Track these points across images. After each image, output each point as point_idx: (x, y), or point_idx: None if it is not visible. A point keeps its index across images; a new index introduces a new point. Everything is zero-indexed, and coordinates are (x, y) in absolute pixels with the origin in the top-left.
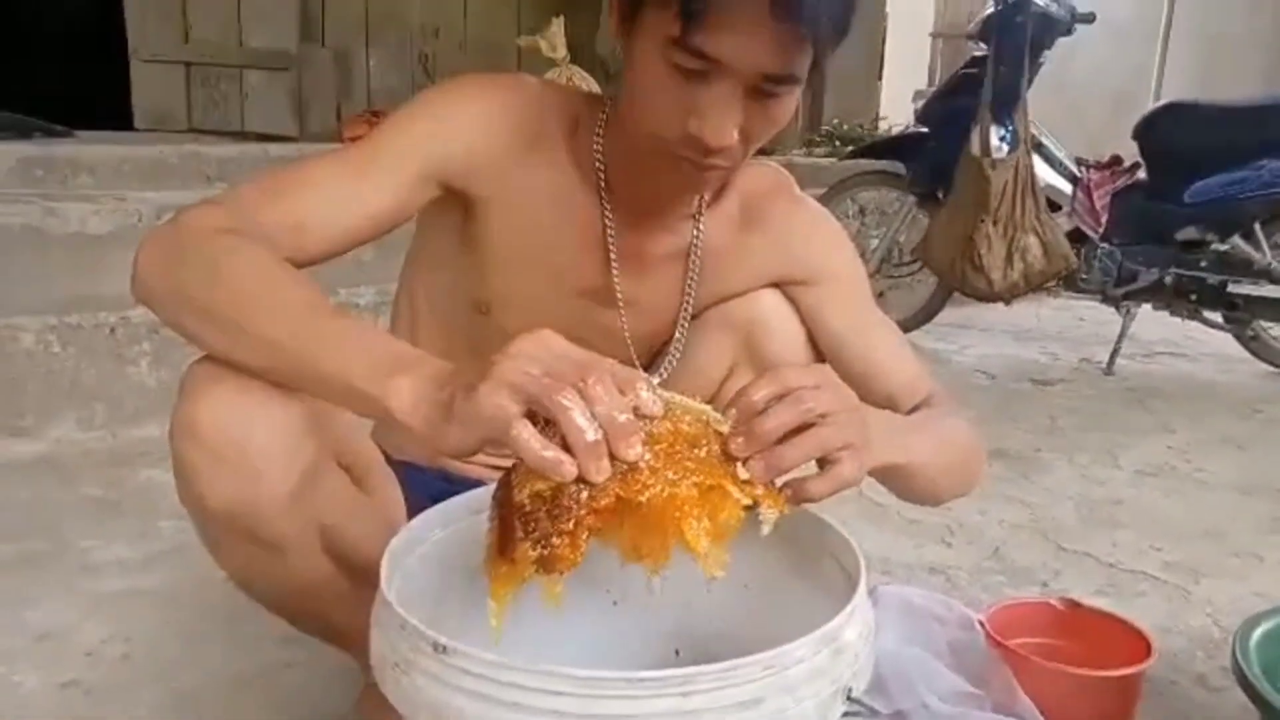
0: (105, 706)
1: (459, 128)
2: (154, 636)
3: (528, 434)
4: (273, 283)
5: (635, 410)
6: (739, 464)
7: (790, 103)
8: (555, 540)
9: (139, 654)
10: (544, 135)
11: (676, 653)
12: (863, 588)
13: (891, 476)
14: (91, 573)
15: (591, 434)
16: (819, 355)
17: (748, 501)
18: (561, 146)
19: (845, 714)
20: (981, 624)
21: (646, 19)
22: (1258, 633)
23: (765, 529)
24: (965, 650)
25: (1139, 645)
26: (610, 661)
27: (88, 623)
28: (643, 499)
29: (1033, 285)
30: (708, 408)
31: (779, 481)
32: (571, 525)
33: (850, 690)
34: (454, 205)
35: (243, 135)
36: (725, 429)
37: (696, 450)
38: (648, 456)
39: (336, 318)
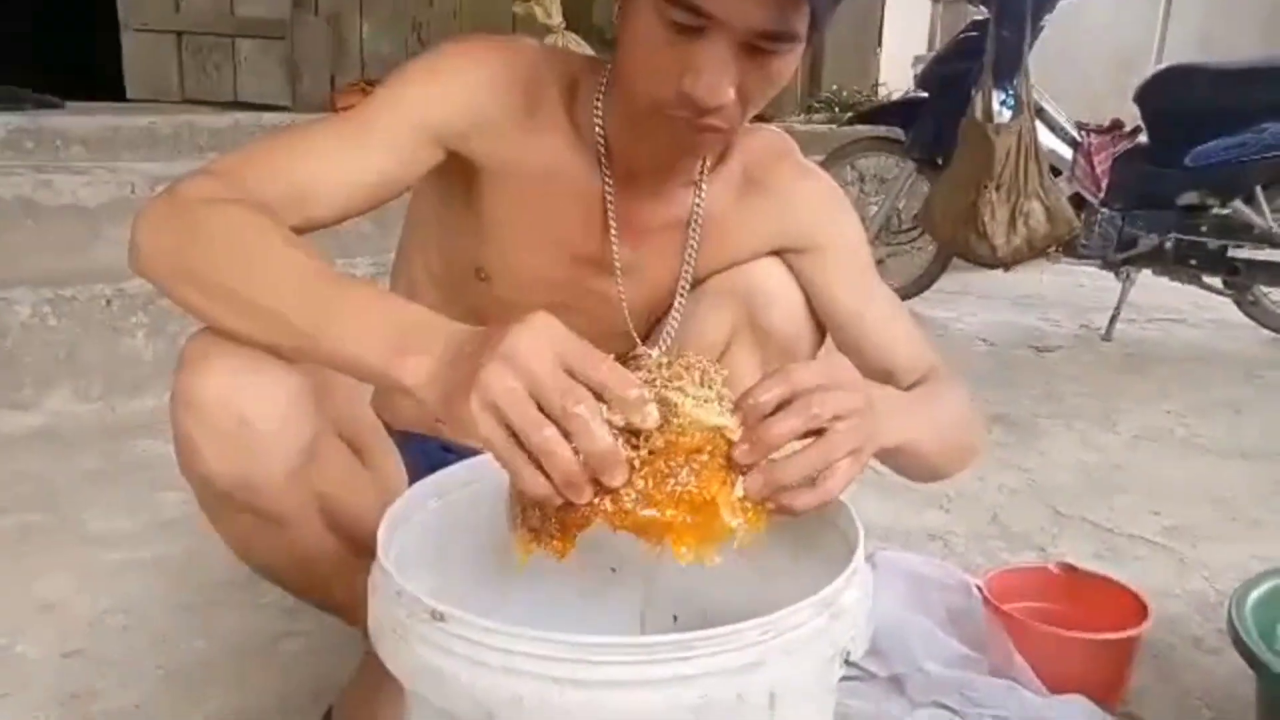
0: (108, 676)
1: (459, 90)
2: (154, 607)
3: (518, 462)
4: (276, 252)
5: (628, 426)
6: (739, 476)
7: (789, 62)
8: (545, 536)
9: (140, 624)
10: (543, 99)
11: (675, 618)
12: (860, 552)
13: (890, 457)
14: (91, 544)
15: (573, 466)
16: (819, 324)
17: (736, 522)
18: (560, 111)
19: (843, 678)
20: (979, 589)
21: None
22: (1254, 595)
23: (735, 545)
24: (963, 615)
25: (1135, 609)
26: (608, 628)
27: (88, 593)
28: (629, 521)
29: (1036, 250)
30: (715, 410)
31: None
32: (558, 529)
33: (848, 654)
34: (453, 170)
35: (236, 105)
36: (733, 433)
37: (699, 456)
38: (640, 483)
39: (343, 286)
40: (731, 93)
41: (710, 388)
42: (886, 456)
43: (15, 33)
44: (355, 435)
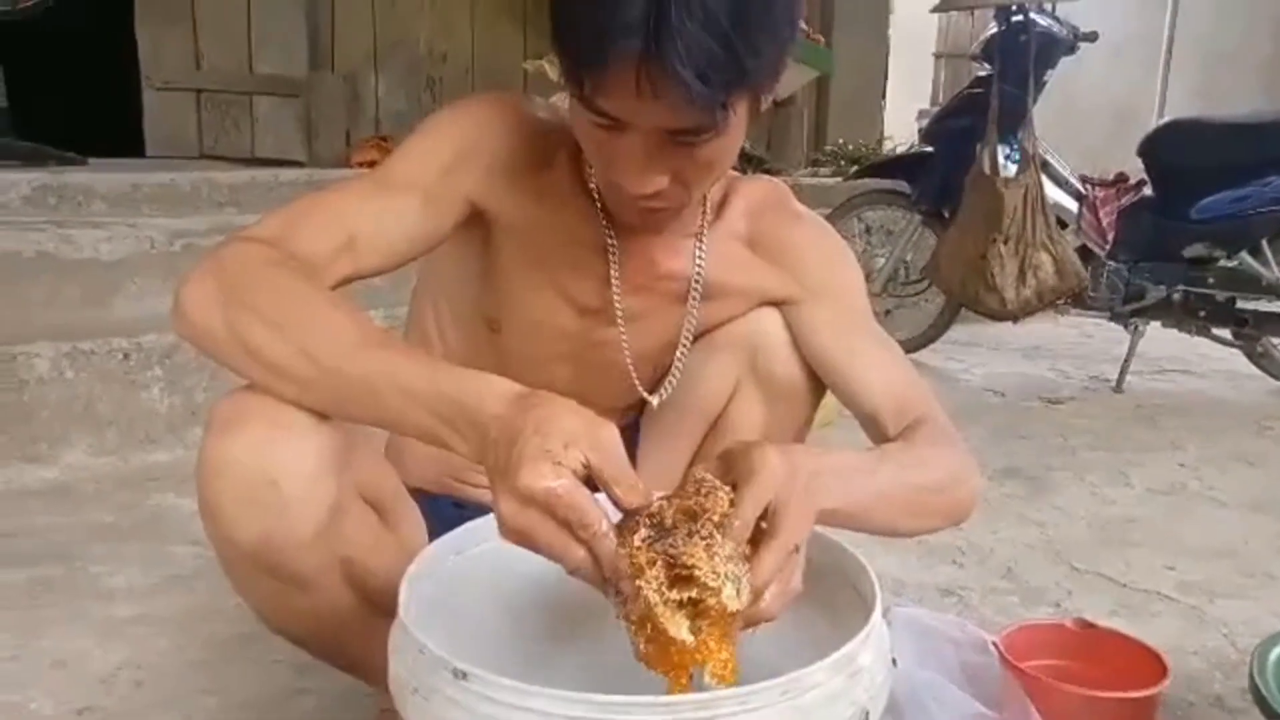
0: None
1: (482, 147)
2: (167, 663)
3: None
4: (325, 315)
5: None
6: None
7: (720, 146)
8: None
9: (152, 680)
10: (553, 157)
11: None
12: (878, 611)
13: (832, 519)
14: (104, 599)
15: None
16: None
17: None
18: (567, 167)
19: None
20: (995, 645)
21: (567, 76)
22: (1275, 652)
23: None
24: (979, 672)
25: (1154, 666)
26: (618, 684)
27: (101, 649)
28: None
29: (1045, 302)
30: (731, 592)
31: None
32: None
33: (868, 714)
34: (468, 223)
35: (253, 161)
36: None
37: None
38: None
39: (394, 350)
40: (661, 180)
41: (719, 532)
42: (828, 519)
43: (39, 91)
44: (377, 494)
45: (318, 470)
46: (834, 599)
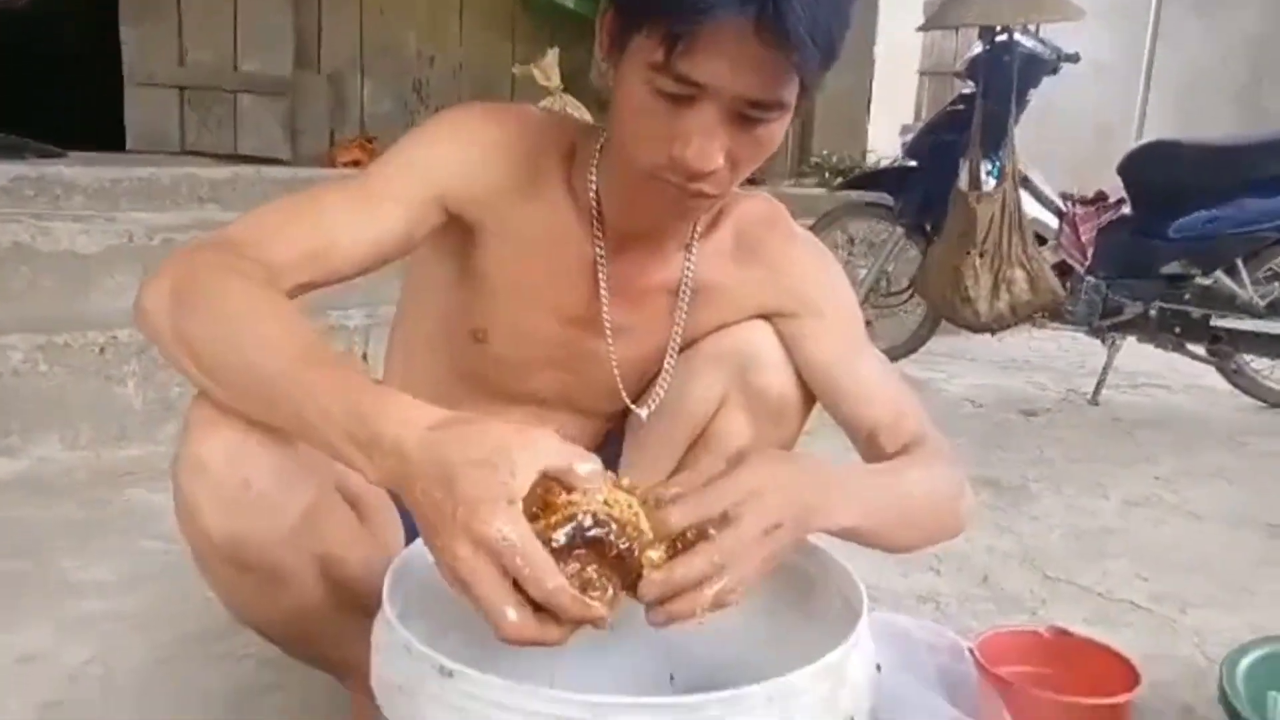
0: None
1: (464, 155)
2: (135, 659)
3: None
4: (266, 329)
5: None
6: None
7: (778, 129)
8: None
9: (121, 676)
10: (542, 166)
11: (671, 678)
12: (865, 619)
13: (846, 536)
14: (73, 594)
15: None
16: (806, 387)
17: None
18: (557, 177)
19: None
20: (971, 652)
21: (632, 44)
22: (1245, 662)
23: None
24: (955, 678)
25: (1127, 674)
26: (604, 685)
27: (69, 644)
28: None
29: (1020, 317)
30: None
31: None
32: None
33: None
34: (454, 233)
35: (236, 158)
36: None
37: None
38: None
39: (322, 370)
40: (721, 158)
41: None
42: (841, 535)
43: (19, 83)
44: (356, 493)
45: (293, 469)
46: (820, 605)
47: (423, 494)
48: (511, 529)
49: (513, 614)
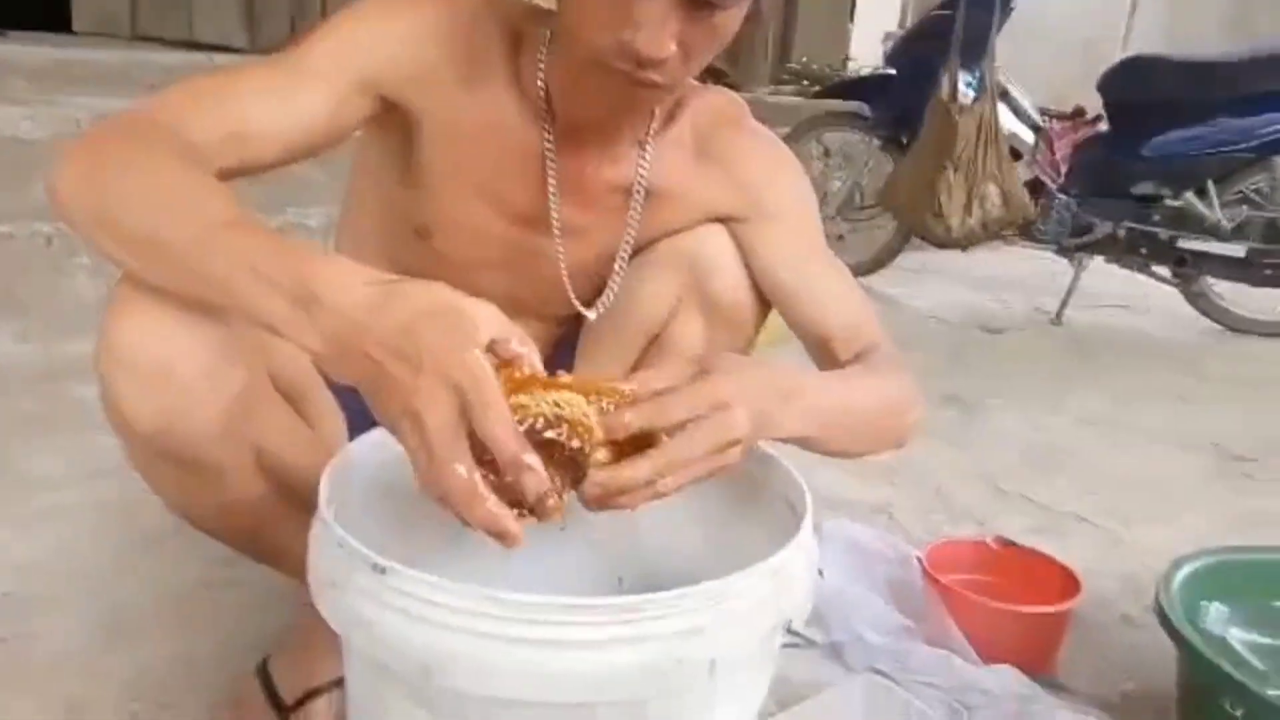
0: (41, 620)
1: (394, 37)
2: (89, 552)
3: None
4: (190, 198)
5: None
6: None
7: (733, 18)
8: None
9: (75, 569)
10: (484, 52)
11: (620, 580)
12: (808, 524)
13: (795, 443)
14: (28, 488)
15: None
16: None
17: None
18: (500, 65)
19: (784, 645)
20: (919, 561)
21: None
22: (1180, 574)
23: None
24: (902, 586)
25: (1068, 584)
26: (551, 586)
27: (22, 537)
28: None
29: (990, 234)
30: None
31: None
32: None
33: (790, 623)
34: (392, 123)
35: (189, 45)
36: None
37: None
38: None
39: (252, 235)
40: (672, 46)
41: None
42: (790, 441)
43: None
44: (294, 387)
45: (220, 356)
46: (764, 509)
47: (377, 348)
48: (485, 374)
49: (462, 469)
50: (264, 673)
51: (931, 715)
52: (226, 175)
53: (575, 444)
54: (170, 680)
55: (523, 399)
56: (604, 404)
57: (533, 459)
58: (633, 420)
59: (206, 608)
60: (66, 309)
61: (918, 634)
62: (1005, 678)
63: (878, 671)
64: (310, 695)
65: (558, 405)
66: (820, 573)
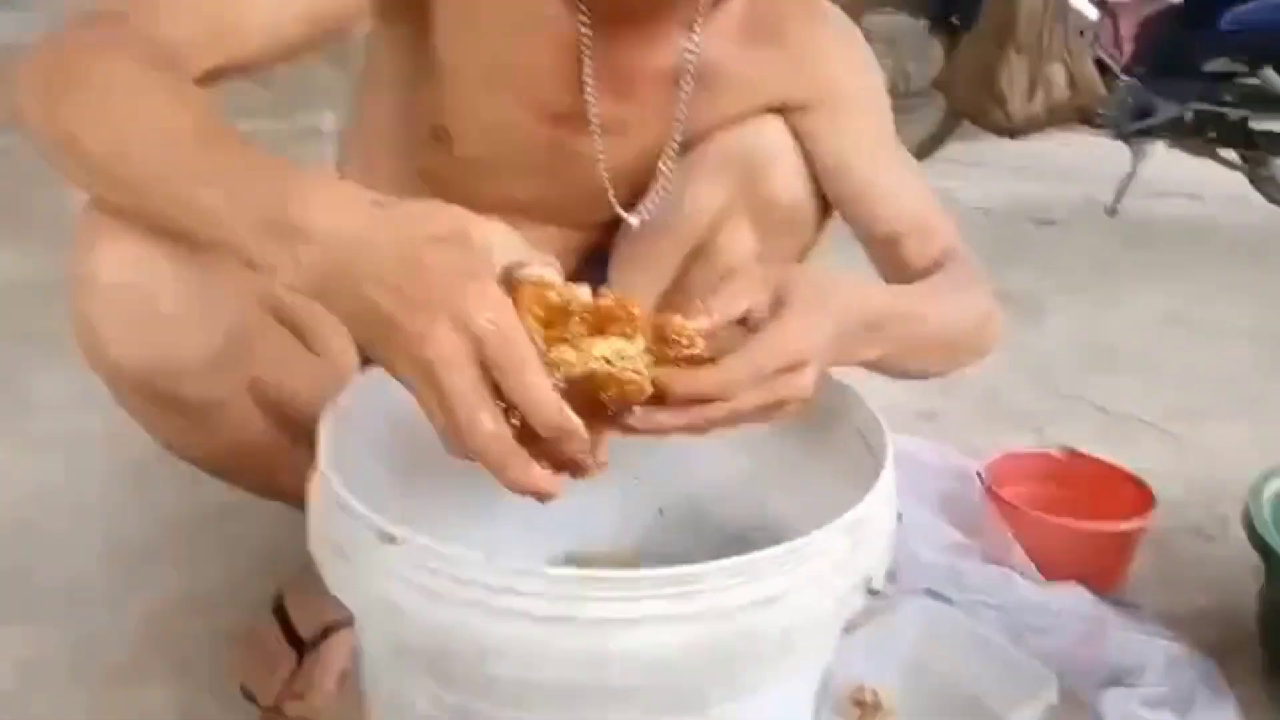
0: (45, 552)
1: None
2: (94, 480)
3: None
4: (157, 113)
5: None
6: None
7: None
8: None
9: (79, 498)
10: None
11: (660, 511)
12: (889, 469)
13: (867, 366)
14: (32, 412)
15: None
16: (823, 193)
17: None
18: None
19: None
20: (979, 475)
21: None
22: (1271, 485)
23: None
24: (958, 501)
25: (1139, 495)
26: (585, 521)
27: (31, 463)
28: None
29: (1055, 119)
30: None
31: None
32: None
33: (870, 581)
34: (405, 14)
35: None
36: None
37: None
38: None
39: (225, 151)
40: None
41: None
42: (872, 365)
43: None
44: (295, 314)
45: (205, 284)
46: (828, 435)
47: (372, 285)
48: (502, 315)
49: (488, 421)
50: (280, 610)
51: (993, 639)
52: (212, 76)
53: (617, 405)
54: (181, 613)
55: (566, 353)
56: (664, 349)
57: (574, 422)
58: (693, 390)
59: (215, 539)
60: (71, 225)
61: (974, 551)
62: (1071, 598)
63: (934, 593)
64: (329, 630)
65: (607, 361)
66: (899, 517)
